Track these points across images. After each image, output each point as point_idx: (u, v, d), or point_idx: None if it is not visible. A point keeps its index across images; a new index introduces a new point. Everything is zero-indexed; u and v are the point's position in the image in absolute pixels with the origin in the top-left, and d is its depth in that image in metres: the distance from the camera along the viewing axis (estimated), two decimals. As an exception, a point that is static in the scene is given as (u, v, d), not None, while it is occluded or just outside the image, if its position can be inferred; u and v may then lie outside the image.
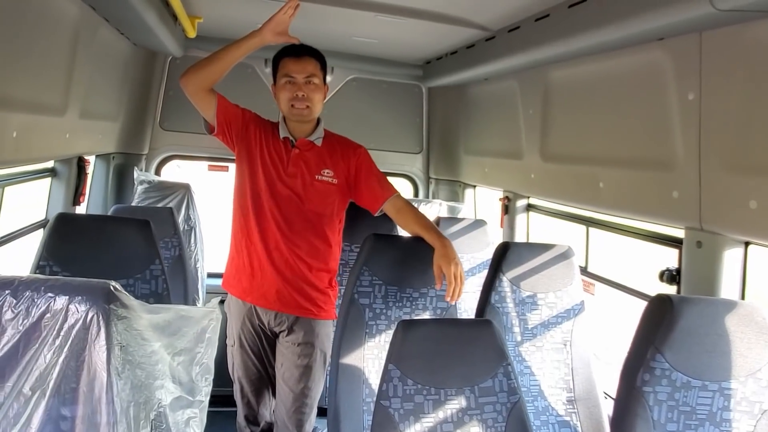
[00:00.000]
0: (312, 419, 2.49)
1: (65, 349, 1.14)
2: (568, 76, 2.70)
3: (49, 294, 1.16)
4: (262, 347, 2.46)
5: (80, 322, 1.15)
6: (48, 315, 1.15)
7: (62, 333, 1.14)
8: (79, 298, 1.16)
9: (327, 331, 2.46)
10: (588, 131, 2.59)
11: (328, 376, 2.51)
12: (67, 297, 1.16)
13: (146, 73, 3.73)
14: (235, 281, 2.45)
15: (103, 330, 1.16)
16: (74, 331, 1.15)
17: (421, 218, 2.40)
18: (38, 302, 1.15)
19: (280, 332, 2.43)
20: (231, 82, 3.94)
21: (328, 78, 3.48)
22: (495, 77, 3.36)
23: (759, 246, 1.93)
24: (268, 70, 3.95)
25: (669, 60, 2.04)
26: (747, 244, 1.94)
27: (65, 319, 1.15)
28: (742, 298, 1.97)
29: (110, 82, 3.14)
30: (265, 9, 2.84)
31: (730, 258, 1.95)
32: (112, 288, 1.19)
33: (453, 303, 2.35)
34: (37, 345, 1.13)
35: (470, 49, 3.21)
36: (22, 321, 1.14)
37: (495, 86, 3.44)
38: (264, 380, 2.50)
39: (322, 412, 2.54)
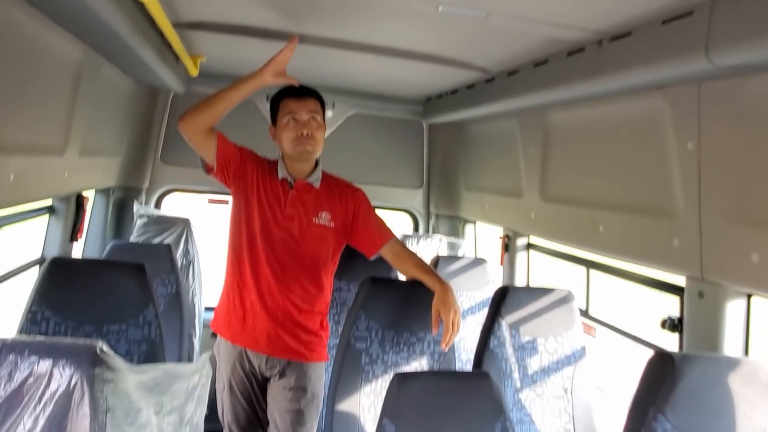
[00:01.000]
0: None
1: (47, 416, 1.10)
2: (568, 119, 2.70)
3: (33, 357, 1.13)
4: (253, 392, 2.40)
5: (63, 387, 1.12)
6: (30, 380, 1.12)
7: (44, 399, 1.11)
8: (63, 361, 1.14)
9: (319, 373, 2.40)
10: (588, 174, 2.58)
11: (322, 420, 2.46)
12: (51, 360, 1.13)
13: (148, 108, 3.75)
14: (225, 323, 2.40)
15: (86, 395, 1.12)
16: (57, 397, 1.12)
17: (419, 262, 2.37)
18: (21, 366, 1.12)
19: (272, 376, 2.37)
20: (232, 116, 3.93)
21: (329, 113, 3.48)
22: (495, 116, 3.36)
23: (762, 298, 1.90)
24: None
25: (668, 108, 2.04)
26: (749, 296, 1.91)
27: (47, 385, 1.12)
28: (746, 351, 1.93)
29: (112, 118, 3.15)
30: (266, 48, 2.86)
31: (733, 309, 1.92)
32: (98, 351, 1.17)
33: (446, 350, 2.30)
34: (18, 412, 1.10)
35: (470, 89, 3.22)
36: (4, 386, 1.11)
37: (495, 125, 3.45)
38: (254, 425, 2.43)
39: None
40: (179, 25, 2.50)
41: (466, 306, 3.42)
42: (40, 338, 1.21)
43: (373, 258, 2.41)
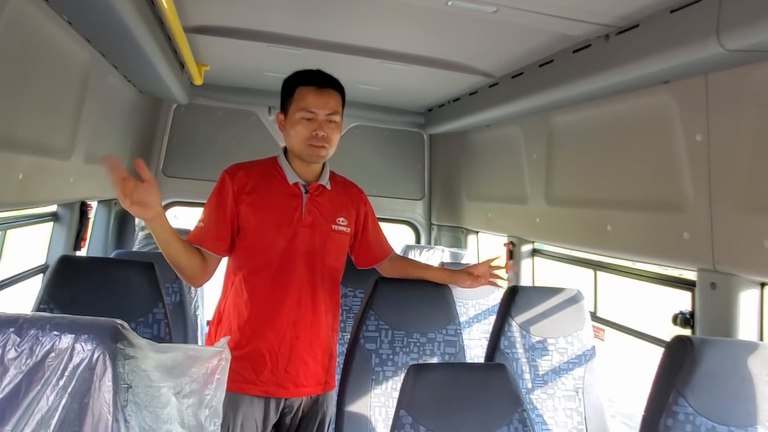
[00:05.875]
0: None
1: (69, 391, 1.08)
2: (572, 121, 2.72)
3: (55, 332, 1.11)
4: None
5: (86, 361, 1.10)
6: (52, 354, 1.10)
7: (66, 373, 1.09)
8: (85, 336, 1.12)
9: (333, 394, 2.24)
10: (594, 174, 2.59)
11: (329, 427, 2.41)
12: (73, 335, 1.11)
13: (151, 120, 3.76)
14: (234, 377, 1.85)
15: (109, 370, 1.10)
16: (79, 371, 1.09)
17: (417, 261, 2.37)
18: (43, 341, 1.10)
19: (290, 416, 2.09)
20: (234, 129, 4.00)
21: None
22: (497, 123, 3.39)
23: (776, 287, 1.90)
24: (272, 117, 3.99)
25: (675, 102, 2.06)
26: (763, 285, 1.91)
27: (70, 359, 1.10)
28: (761, 340, 1.92)
29: (115, 128, 3.16)
30: (271, 56, 2.90)
31: (746, 299, 1.92)
32: (119, 326, 1.15)
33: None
34: (39, 386, 1.08)
35: (473, 95, 3.25)
36: (26, 360, 1.09)
37: (497, 132, 3.47)
38: None
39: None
40: (186, 30, 2.53)
41: (472, 314, 3.40)
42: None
43: (362, 268, 2.31)
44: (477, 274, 2.26)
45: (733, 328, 1.93)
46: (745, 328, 1.92)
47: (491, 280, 2.26)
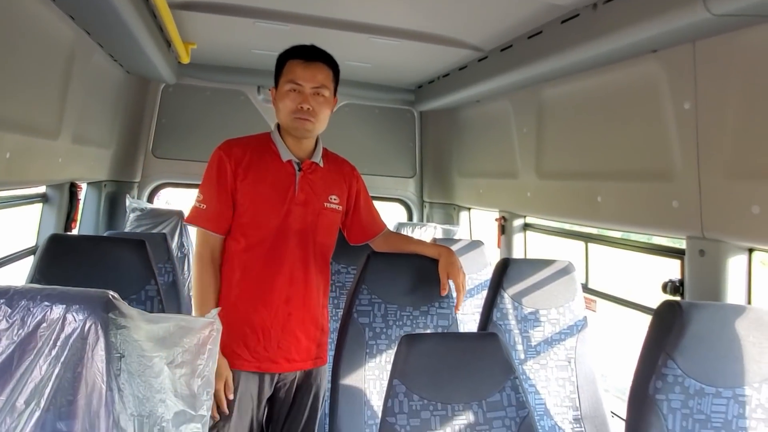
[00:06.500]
0: None
1: (61, 360, 1.08)
2: (562, 93, 2.72)
3: (46, 303, 1.12)
4: (257, 417, 2.09)
5: (77, 331, 1.10)
6: (44, 324, 1.10)
7: (59, 343, 1.09)
8: (77, 306, 1.12)
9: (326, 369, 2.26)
10: (584, 146, 2.60)
11: (326, 401, 2.43)
12: (64, 306, 1.12)
13: (139, 101, 3.73)
14: (230, 352, 1.99)
15: (101, 339, 1.11)
16: (71, 341, 1.10)
17: (411, 237, 2.37)
18: (34, 311, 1.10)
19: (284, 390, 2.11)
20: (223, 109, 3.97)
21: None
22: (487, 98, 3.38)
23: (763, 252, 1.92)
24: (261, 97, 3.97)
25: (663, 71, 2.06)
26: (751, 250, 1.93)
27: (62, 329, 1.10)
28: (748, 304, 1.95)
29: (103, 109, 3.13)
30: (258, 33, 2.88)
31: (734, 265, 1.94)
32: (110, 296, 1.15)
33: (457, 313, 2.29)
34: (32, 356, 1.08)
35: (462, 70, 3.24)
36: (17, 331, 1.09)
37: (487, 107, 3.47)
38: None
39: (321, 438, 2.47)
40: (172, 6, 2.49)
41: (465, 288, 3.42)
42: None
43: (355, 244, 2.32)
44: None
45: (722, 294, 1.95)
46: (733, 294, 1.94)
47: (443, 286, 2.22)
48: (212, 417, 1.90)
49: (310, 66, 1.99)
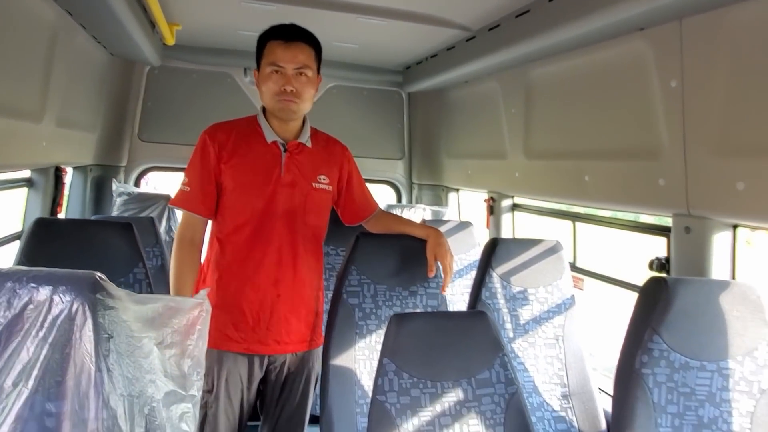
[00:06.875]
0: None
1: (49, 341, 1.08)
2: (549, 73, 2.72)
3: (32, 284, 1.11)
4: (248, 399, 2.10)
5: (65, 312, 1.10)
6: (31, 306, 1.09)
7: (46, 324, 1.08)
8: (64, 288, 1.11)
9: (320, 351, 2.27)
10: (572, 126, 2.60)
11: (317, 383, 2.45)
12: (51, 287, 1.11)
13: (124, 84, 3.68)
14: (217, 335, 1.96)
15: (89, 320, 1.10)
16: (59, 322, 1.09)
17: (401, 217, 2.38)
18: (21, 293, 1.09)
19: (275, 373, 2.12)
20: (210, 92, 3.93)
21: None
22: (475, 79, 3.37)
23: (747, 228, 1.94)
24: (248, 79, 3.93)
25: (650, 49, 2.07)
26: (735, 227, 1.95)
27: (49, 310, 1.09)
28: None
29: (87, 92, 3.09)
30: (243, 13, 2.84)
31: (719, 241, 1.96)
32: (97, 277, 1.14)
33: (444, 293, 2.30)
34: (19, 338, 1.07)
35: (450, 50, 3.22)
36: (4, 313, 1.08)
37: (476, 88, 3.46)
38: (243, 425, 2.13)
39: (313, 420, 2.48)
40: None
41: (454, 269, 3.44)
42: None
43: (350, 224, 2.32)
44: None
45: (707, 270, 1.98)
46: (718, 270, 1.97)
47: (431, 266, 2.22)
48: None
49: (291, 47, 1.97)
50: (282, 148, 2.05)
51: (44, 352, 1.08)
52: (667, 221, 2.16)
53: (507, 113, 3.10)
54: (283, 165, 2.03)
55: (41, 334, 1.08)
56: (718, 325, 1.64)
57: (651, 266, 2.23)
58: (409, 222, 2.34)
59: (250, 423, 2.15)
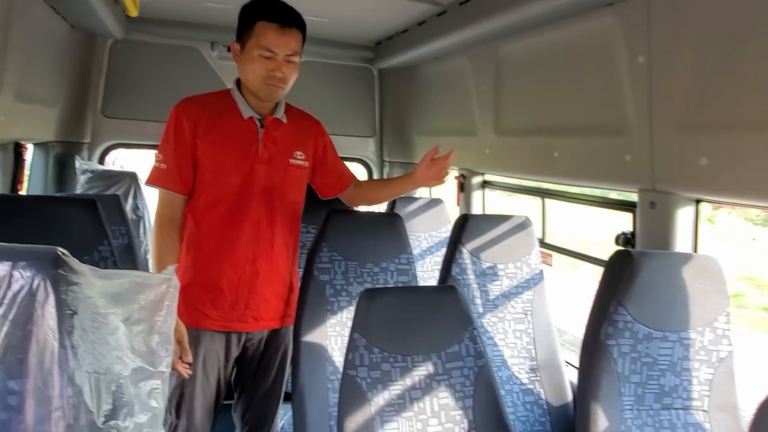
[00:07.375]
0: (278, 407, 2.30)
1: (9, 318, 1.05)
2: (519, 49, 2.72)
3: (-10, 260, 1.07)
4: (224, 377, 2.09)
5: (26, 288, 1.06)
6: (-11, 282, 1.06)
7: (6, 301, 1.05)
8: (24, 263, 1.08)
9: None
10: (541, 102, 2.62)
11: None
12: (10, 263, 1.07)
13: (86, 57, 3.56)
14: (193, 312, 1.99)
15: (51, 297, 1.07)
16: (19, 299, 1.06)
17: (377, 180, 2.38)
18: (-22, 269, 1.06)
19: (251, 349, 2.12)
20: (176, 66, 3.83)
21: None
22: (446, 55, 3.36)
23: (709, 203, 1.99)
24: (215, 53, 3.84)
25: (618, 25, 2.08)
26: (698, 201, 2.00)
27: (9, 286, 1.06)
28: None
29: (47, 65, 2.98)
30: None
31: (683, 216, 2.00)
32: (59, 252, 1.11)
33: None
34: (-22, 315, 1.04)
35: (421, 26, 3.20)
36: (-40, 289, 1.05)
37: (446, 64, 3.44)
38: (219, 403, 2.13)
39: (285, 397, 2.48)
40: None
41: (425, 246, 3.46)
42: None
43: (327, 198, 2.31)
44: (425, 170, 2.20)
45: (671, 245, 2.02)
46: (682, 244, 2.01)
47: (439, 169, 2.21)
48: (180, 376, 1.90)
49: (285, 33, 1.92)
50: (259, 124, 2.02)
51: (5, 329, 1.04)
52: (634, 197, 2.20)
53: (477, 90, 3.10)
54: (260, 141, 2.01)
55: (1, 311, 1.05)
56: (681, 297, 1.69)
57: (617, 241, 2.27)
58: (388, 183, 2.34)
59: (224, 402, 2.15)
